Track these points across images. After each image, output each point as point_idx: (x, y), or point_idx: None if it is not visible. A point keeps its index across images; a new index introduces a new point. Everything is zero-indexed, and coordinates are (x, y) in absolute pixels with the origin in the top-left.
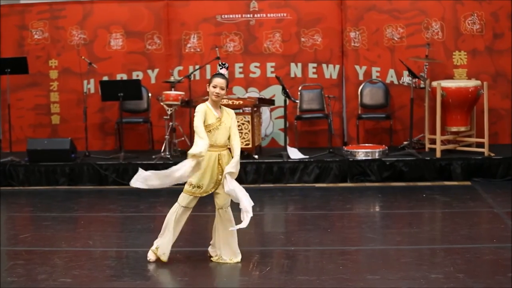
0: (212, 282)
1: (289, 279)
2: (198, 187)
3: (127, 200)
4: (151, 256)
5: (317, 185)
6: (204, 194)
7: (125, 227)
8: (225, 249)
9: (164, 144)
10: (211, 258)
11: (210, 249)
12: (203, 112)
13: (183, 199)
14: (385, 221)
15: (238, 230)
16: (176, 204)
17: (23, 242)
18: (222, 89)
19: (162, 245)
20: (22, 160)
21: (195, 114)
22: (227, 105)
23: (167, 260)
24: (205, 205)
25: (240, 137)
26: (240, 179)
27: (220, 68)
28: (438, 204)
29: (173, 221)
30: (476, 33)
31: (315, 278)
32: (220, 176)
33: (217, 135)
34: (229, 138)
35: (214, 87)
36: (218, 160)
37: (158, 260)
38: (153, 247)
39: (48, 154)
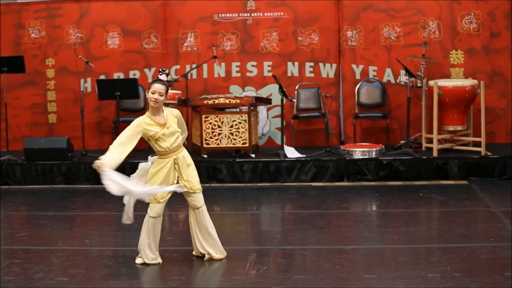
0: (208, 281)
1: (286, 278)
2: (154, 195)
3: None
4: (138, 260)
5: (314, 184)
6: (162, 200)
7: (122, 226)
8: (212, 247)
9: None
10: (204, 259)
11: (195, 251)
12: (136, 128)
13: (150, 209)
14: (381, 220)
15: (234, 229)
16: (146, 216)
17: (20, 241)
18: (161, 95)
19: (148, 256)
20: (19, 159)
21: (130, 124)
22: (224, 105)
23: (161, 261)
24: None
25: (237, 136)
26: (237, 178)
27: (160, 74)
28: (434, 203)
29: (145, 232)
30: (473, 32)
31: (312, 277)
32: (175, 180)
33: (167, 141)
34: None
35: (153, 93)
36: (174, 164)
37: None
38: (139, 259)
39: (45, 153)
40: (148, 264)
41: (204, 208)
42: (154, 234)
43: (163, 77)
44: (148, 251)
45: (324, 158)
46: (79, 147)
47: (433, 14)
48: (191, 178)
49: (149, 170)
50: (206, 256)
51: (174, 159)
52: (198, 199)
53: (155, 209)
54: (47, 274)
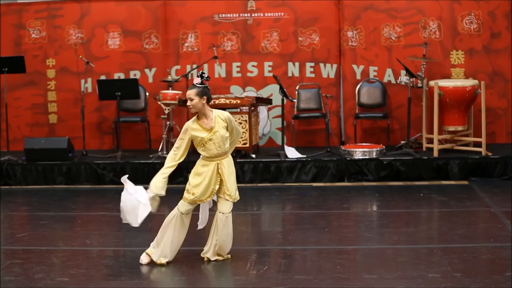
0: (209, 282)
1: (287, 278)
2: (193, 194)
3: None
4: (144, 258)
5: (314, 184)
6: (198, 202)
7: (122, 226)
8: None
9: (161, 143)
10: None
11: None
12: (183, 135)
13: (182, 205)
14: (382, 220)
15: (235, 229)
16: (175, 210)
17: (20, 241)
18: (191, 100)
19: (158, 250)
20: (20, 159)
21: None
22: (225, 105)
23: (165, 263)
24: None
25: None
26: (237, 178)
27: (197, 77)
28: (435, 203)
29: (170, 226)
30: (474, 32)
31: (313, 277)
32: (217, 186)
33: (212, 146)
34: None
35: (187, 100)
36: (217, 169)
37: (151, 263)
38: (148, 250)
39: (46, 153)
40: (153, 264)
41: (230, 216)
42: (182, 230)
43: (196, 80)
44: (168, 248)
45: (325, 159)
46: (79, 147)
47: (434, 14)
48: (231, 186)
49: (193, 169)
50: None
51: (218, 163)
52: (228, 206)
53: (185, 207)
54: (48, 274)
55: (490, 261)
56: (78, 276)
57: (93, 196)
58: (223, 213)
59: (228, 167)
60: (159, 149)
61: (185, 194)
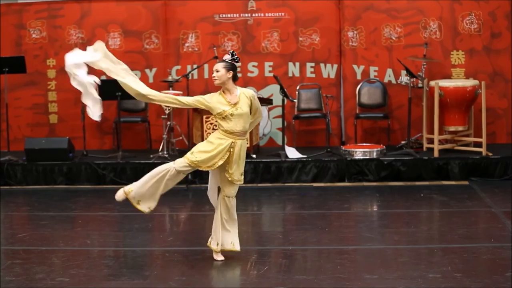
0: (209, 282)
1: (287, 279)
2: (196, 157)
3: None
4: (120, 195)
5: (315, 184)
6: (196, 168)
7: (123, 227)
8: (228, 236)
9: (162, 143)
10: (215, 249)
11: (212, 242)
12: (207, 98)
13: (180, 162)
14: (382, 220)
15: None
16: (169, 165)
17: (21, 241)
18: (218, 71)
19: (138, 192)
20: (20, 159)
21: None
22: None
23: (137, 206)
24: (203, 204)
25: None
26: None
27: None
28: (435, 203)
29: (159, 179)
30: (474, 32)
31: (313, 278)
32: (220, 162)
33: (232, 122)
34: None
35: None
36: (230, 147)
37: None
38: (126, 188)
39: (46, 153)
40: (135, 206)
41: (235, 200)
42: (169, 185)
43: (227, 56)
44: (152, 199)
45: (325, 159)
46: (80, 147)
47: (434, 14)
48: (237, 169)
49: (209, 136)
50: (217, 247)
51: (232, 142)
52: (234, 189)
53: (181, 164)
54: (48, 275)
55: (491, 261)
56: (78, 276)
57: (94, 196)
58: (228, 197)
59: (240, 150)
60: (160, 149)
61: (188, 154)
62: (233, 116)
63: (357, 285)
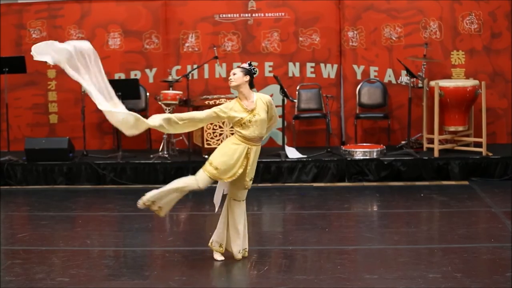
0: (210, 282)
1: (287, 279)
2: (216, 169)
3: (125, 199)
4: (140, 204)
5: (315, 184)
6: (218, 179)
7: (123, 227)
8: (244, 241)
9: (162, 144)
10: (219, 250)
11: (213, 243)
12: (219, 111)
13: (203, 180)
14: (383, 220)
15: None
16: (192, 181)
17: (21, 241)
18: (234, 74)
19: (158, 202)
20: (20, 159)
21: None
22: None
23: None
24: (203, 204)
25: None
26: None
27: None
28: (436, 203)
29: (181, 192)
30: (474, 32)
31: (313, 278)
32: (240, 170)
33: (250, 129)
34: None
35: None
36: (246, 153)
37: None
38: (145, 199)
39: (46, 153)
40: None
41: (244, 203)
42: (181, 193)
43: (244, 64)
44: (168, 206)
45: (325, 159)
46: (80, 147)
47: (434, 14)
48: (250, 175)
49: (221, 145)
50: (240, 253)
51: (248, 148)
52: (245, 193)
53: (205, 181)
54: (48, 275)
55: (491, 262)
56: (78, 276)
57: (94, 196)
58: (238, 200)
59: (254, 156)
60: (160, 149)
61: (207, 167)
62: (250, 123)
63: (357, 285)
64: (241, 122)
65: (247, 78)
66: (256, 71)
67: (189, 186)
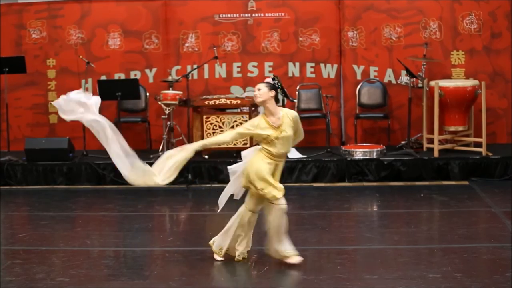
0: (210, 282)
1: (287, 279)
2: (262, 190)
3: (125, 199)
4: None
5: (315, 184)
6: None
7: (123, 227)
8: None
9: (162, 144)
10: (218, 252)
11: (215, 244)
12: (247, 129)
13: (251, 204)
14: (383, 220)
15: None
16: (242, 209)
17: (21, 241)
18: (259, 89)
19: (240, 250)
20: (20, 159)
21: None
22: (225, 105)
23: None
24: (203, 204)
25: None
26: None
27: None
28: (436, 203)
29: (237, 225)
30: (474, 32)
31: (313, 278)
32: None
33: (277, 146)
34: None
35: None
36: (275, 170)
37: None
38: (211, 242)
39: (46, 153)
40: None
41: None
42: (249, 228)
43: (269, 79)
44: (240, 245)
45: (325, 159)
46: (80, 147)
47: (434, 14)
48: None
49: (253, 163)
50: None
51: (276, 164)
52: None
53: (253, 205)
54: (48, 275)
55: (491, 262)
56: (78, 276)
57: (94, 196)
58: (253, 212)
59: (280, 171)
60: (160, 149)
61: (253, 191)
62: (278, 140)
63: (357, 285)
64: (268, 139)
65: (273, 93)
66: (280, 85)
67: (244, 217)
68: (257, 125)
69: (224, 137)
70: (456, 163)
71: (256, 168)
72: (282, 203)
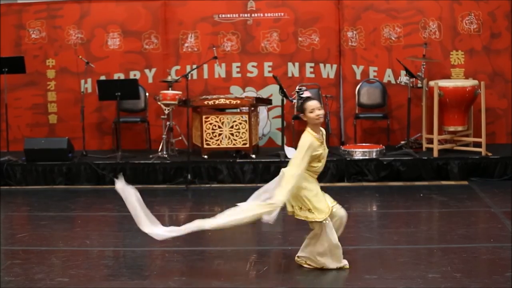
0: (209, 282)
1: (286, 279)
2: (324, 212)
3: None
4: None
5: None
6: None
7: (122, 227)
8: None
9: (161, 144)
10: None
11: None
12: (311, 147)
13: (325, 227)
14: (382, 220)
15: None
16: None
17: (21, 241)
18: (320, 109)
19: (337, 259)
20: (19, 160)
21: (303, 147)
22: (225, 105)
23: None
24: (202, 204)
25: (237, 136)
26: (237, 179)
27: (303, 91)
28: (435, 203)
29: (326, 237)
30: (474, 32)
31: (312, 278)
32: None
33: (321, 162)
34: None
35: (312, 111)
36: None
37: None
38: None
39: (45, 153)
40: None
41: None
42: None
43: (308, 93)
44: (337, 255)
45: None
46: (79, 147)
47: (434, 14)
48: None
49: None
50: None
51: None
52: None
53: (327, 227)
54: (48, 275)
55: (490, 262)
56: (78, 276)
57: (93, 196)
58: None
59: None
60: (159, 150)
61: (316, 216)
62: (322, 156)
63: (357, 285)
64: (320, 157)
65: None
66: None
67: (324, 227)
68: (314, 147)
69: (299, 170)
70: (456, 163)
71: (308, 192)
72: (322, 228)
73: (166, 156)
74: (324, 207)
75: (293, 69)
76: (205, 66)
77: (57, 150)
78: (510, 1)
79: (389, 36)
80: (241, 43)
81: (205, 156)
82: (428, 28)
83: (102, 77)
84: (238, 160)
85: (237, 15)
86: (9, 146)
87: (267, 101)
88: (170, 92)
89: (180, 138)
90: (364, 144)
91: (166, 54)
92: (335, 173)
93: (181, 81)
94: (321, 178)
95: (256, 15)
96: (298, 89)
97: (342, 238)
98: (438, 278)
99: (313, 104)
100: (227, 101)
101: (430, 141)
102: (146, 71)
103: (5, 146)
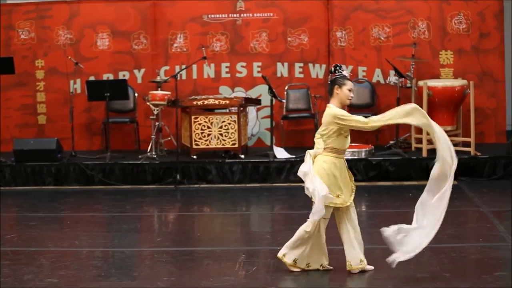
0: (198, 282)
1: (275, 279)
2: (338, 196)
3: (113, 200)
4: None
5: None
6: (343, 205)
7: (112, 227)
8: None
9: (150, 144)
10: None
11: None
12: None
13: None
14: (371, 220)
15: (224, 230)
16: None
17: (9, 242)
18: (352, 94)
19: (299, 257)
20: (8, 160)
21: (341, 115)
22: (214, 105)
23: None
24: (191, 205)
25: (226, 136)
26: (226, 179)
27: (341, 70)
28: None
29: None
30: (463, 32)
31: (301, 278)
32: (353, 185)
33: (348, 139)
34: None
35: (350, 90)
36: (345, 166)
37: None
38: (287, 260)
39: (35, 154)
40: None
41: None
42: (319, 236)
43: (346, 73)
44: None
45: None
46: (68, 148)
47: (423, 14)
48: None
49: (323, 169)
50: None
51: (343, 159)
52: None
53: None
54: (37, 276)
55: (479, 261)
56: (67, 277)
57: (82, 197)
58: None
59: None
60: (148, 150)
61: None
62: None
63: (346, 285)
64: (345, 133)
65: None
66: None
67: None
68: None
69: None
70: None
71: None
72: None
73: (155, 156)
74: (338, 196)
75: (282, 69)
76: (194, 67)
77: (46, 150)
78: (499, 1)
79: (378, 36)
80: (230, 43)
81: (194, 156)
82: (417, 28)
83: (91, 78)
84: (227, 160)
85: (226, 15)
86: None
87: (256, 101)
88: (159, 92)
89: (169, 138)
90: (353, 144)
91: (155, 54)
92: None
93: (170, 82)
94: None
95: (245, 15)
96: (338, 65)
97: (331, 238)
98: (427, 278)
99: (351, 84)
100: (216, 101)
101: (419, 141)
102: (135, 71)
103: None
